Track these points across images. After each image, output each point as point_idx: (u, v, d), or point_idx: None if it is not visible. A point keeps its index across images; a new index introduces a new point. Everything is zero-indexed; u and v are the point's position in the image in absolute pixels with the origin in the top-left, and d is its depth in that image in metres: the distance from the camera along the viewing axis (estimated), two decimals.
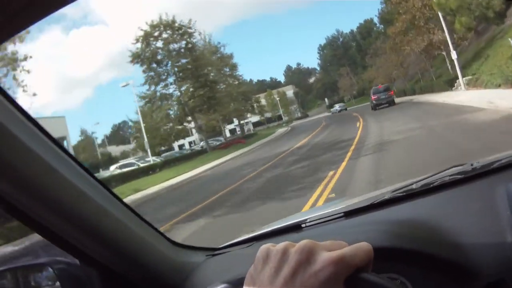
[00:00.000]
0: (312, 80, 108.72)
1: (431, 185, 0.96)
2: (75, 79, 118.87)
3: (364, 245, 0.51)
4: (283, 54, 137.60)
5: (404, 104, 26.92)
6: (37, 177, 0.70)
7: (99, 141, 69.44)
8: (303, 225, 1.06)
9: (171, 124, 37.13)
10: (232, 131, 72.81)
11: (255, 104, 54.97)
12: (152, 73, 36.16)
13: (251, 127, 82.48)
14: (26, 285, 1.09)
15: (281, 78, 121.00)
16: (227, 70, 49.57)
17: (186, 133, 41.20)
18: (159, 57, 36.13)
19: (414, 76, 44.09)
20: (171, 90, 37.40)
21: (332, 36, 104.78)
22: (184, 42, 36.55)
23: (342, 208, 1.04)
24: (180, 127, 38.44)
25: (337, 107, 63.01)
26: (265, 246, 0.54)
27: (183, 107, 36.96)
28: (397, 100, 32.33)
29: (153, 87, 36.34)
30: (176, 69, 36.60)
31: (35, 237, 7.71)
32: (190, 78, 36.76)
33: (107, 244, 0.83)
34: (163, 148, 45.26)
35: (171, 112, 37.82)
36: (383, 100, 32.03)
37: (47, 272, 1.00)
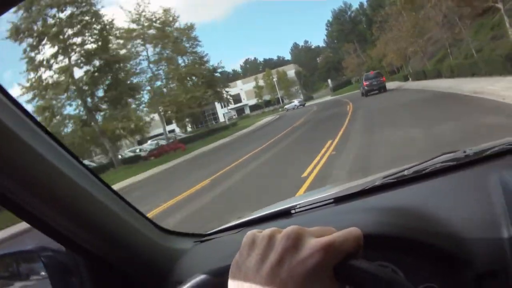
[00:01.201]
0: (320, 59, 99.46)
1: (423, 172, 0.97)
2: None
3: (353, 231, 0.50)
4: (290, 31, 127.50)
5: (418, 96, 18.41)
6: (23, 163, 0.71)
7: None
8: (292, 211, 1.08)
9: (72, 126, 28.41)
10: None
11: (224, 92, 45.12)
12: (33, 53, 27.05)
13: (234, 114, 77.13)
14: (12, 273, 1.13)
15: (289, 57, 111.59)
16: (187, 45, 41.53)
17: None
18: (41, 28, 26.77)
19: (437, 52, 33.98)
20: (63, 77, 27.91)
21: (339, 9, 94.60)
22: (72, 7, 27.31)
23: (332, 194, 1.06)
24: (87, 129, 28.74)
25: (295, 102, 57.97)
26: (251, 232, 0.53)
27: (84, 100, 28.19)
28: (411, 86, 27.80)
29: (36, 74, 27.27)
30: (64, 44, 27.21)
31: (22, 225, 7.93)
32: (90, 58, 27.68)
33: (94, 230, 0.85)
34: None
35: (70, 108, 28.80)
36: (374, 86, 33.07)
37: (34, 259, 1.02)
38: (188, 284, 0.77)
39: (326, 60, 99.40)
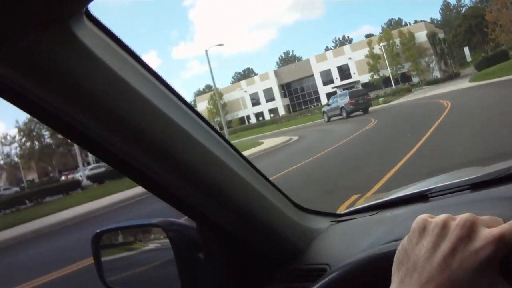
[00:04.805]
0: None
1: None
2: (259, 20, 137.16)
3: None
4: None
5: None
6: (162, 136, 0.74)
7: None
8: (429, 195, 1.09)
9: None
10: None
11: None
12: None
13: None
14: (137, 243, 1.21)
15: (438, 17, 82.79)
16: None
17: None
18: None
19: None
20: None
21: None
22: None
23: (467, 180, 1.06)
24: None
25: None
26: (422, 217, 0.53)
27: None
28: None
29: None
30: None
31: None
32: None
33: (231, 205, 0.89)
34: None
35: None
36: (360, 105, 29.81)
37: (159, 233, 1.09)
38: (339, 270, 0.80)
39: (464, 15, 67.82)
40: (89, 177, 31.38)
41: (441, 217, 0.51)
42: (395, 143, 11.52)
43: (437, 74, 54.96)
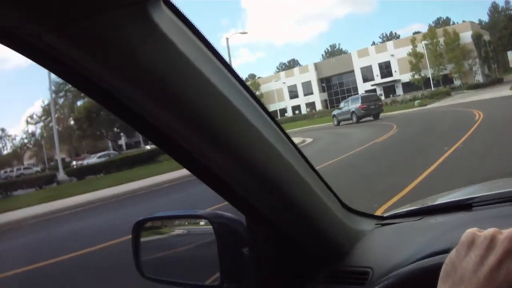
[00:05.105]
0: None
1: None
2: (311, 12, 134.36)
3: None
4: None
5: None
6: (226, 125, 0.74)
7: None
8: (472, 204, 1.09)
9: None
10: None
11: None
12: None
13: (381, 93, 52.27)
14: (177, 236, 1.22)
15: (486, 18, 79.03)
16: None
17: None
18: None
19: None
20: None
21: None
22: None
23: (510, 191, 1.08)
24: None
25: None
26: (470, 231, 0.55)
27: None
28: None
29: None
30: None
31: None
32: None
33: (285, 201, 0.89)
34: None
35: None
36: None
37: (203, 225, 1.09)
38: (384, 282, 0.81)
39: (510, 16, 63.64)
40: (78, 170, 29.12)
41: (490, 231, 0.53)
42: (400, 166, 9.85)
43: (479, 78, 51.61)
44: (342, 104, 32.39)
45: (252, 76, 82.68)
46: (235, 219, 1.01)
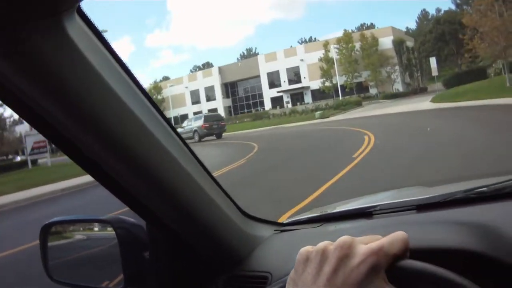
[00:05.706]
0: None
1: (504, 191, 0.98)
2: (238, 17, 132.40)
3: (399, 234, 0.56)
4: None
5: None
6: (124, 133, 0.75)
7: None
8: (373, 212, 1.12)
9: None
10: None
11: None
12: None
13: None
14: (83, 240, 1.24)
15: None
16: None
17: None
18: None
19: None
20: None
21: None
22: None
23: (413, 200, 1.09)
24: None
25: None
26: (304, 249, 0.59)
27: None
28: None
29: None
30: None
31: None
32: None
33: (181, 207, 0.91)
34: None
35: None
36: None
37: (107, 230, 1.11)
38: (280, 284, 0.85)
39: (437, 19, 59.60)
40: None
41: (320, 244, 0.57)
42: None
43: (399, 87, 48.78)
44: (185, 123, 32.94)
45: (166, 79, 76.98)
46: (136, 224, 1.02)
